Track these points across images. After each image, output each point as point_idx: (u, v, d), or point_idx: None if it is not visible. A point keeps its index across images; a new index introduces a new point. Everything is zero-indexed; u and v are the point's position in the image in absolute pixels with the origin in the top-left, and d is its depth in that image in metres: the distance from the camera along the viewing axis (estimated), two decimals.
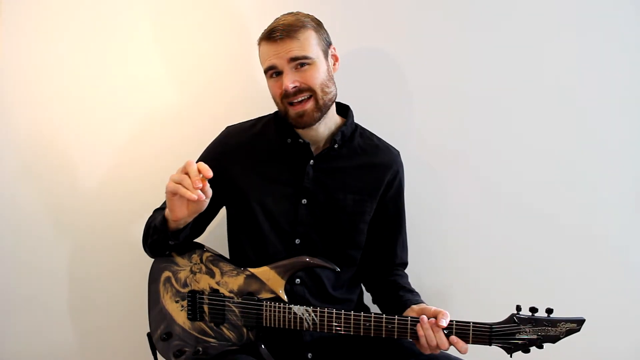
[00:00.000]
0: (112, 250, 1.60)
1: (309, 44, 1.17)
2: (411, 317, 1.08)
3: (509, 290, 1.49)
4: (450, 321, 1.06)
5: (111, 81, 1.58)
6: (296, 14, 1.21)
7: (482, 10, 1.51)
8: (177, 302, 1.22)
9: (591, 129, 1.50)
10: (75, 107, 1.59)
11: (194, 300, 1.20)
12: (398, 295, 1.23)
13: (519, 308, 1.06)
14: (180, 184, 1.05)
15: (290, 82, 1.16)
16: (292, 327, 1.14)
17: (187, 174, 1.05)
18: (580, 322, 1.02)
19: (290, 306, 1.14)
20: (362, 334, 1.11)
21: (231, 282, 1.19)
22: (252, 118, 1.36)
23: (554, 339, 1.03)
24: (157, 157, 1.58)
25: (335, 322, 1.12)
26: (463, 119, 1.52)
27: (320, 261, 1.16)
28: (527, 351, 1.05)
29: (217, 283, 1.19)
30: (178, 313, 1.21)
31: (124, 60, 1.58)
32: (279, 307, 1.14)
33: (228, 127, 1.35)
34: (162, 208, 1.24)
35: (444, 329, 1.05)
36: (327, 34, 1.24)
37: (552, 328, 1.02)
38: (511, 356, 1.07)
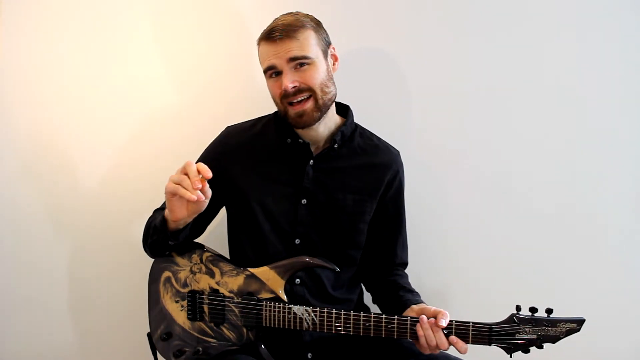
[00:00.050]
0: (112, 250, 1.60)
1: (309, 43, 1.17)
2: (411, 317, 1.08)
3: (509, 290, 1.49)
4: (450, 321, 1.06)
5: (111, 81, 1.58)
6: (295, 14, 1.21)
7: (482, 11, 1.51)
8: (177, 302, 1.22)
9: (591, 129, 1.50)
10: (75, 107, 1.59)
11: (193, 300, 1.20)
12: (398, 295, 1.23)
13: (518, 308, 1.06)
14: (179, 184, 1.05)
15: (289, 82, 1.16)
16: (292, 327, 1.14)
17: (186, 174, 1.05)
18: (580, 322, 1.02)
19: (290, 306, 1.14)
20: (361, 334, 1.11)
21: (231, 282, 1.19)
22: (252, 118, 1.36)
23: (553, 339, 1.03)
24: (157, 157, 1.58)
25: (335, 322, 1.12)
26: (463, 119, 1.52)
27: (320, 261, 1.16)
28: (527, 351, 1.05)
29: (217, 283, 1.19)
30: (178, 313, 1.21)
31: (124, 60, 1.58)
32: (279, 307, 1.14)
33: (228, 127, 1.35)
34: (162, 208, 1.24)
35: (443, 329, 1.05)
36: (327, 34, 1.24)
37: (552, 328, 1.02)
38: (511, 356, 1.06)
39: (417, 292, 1.26)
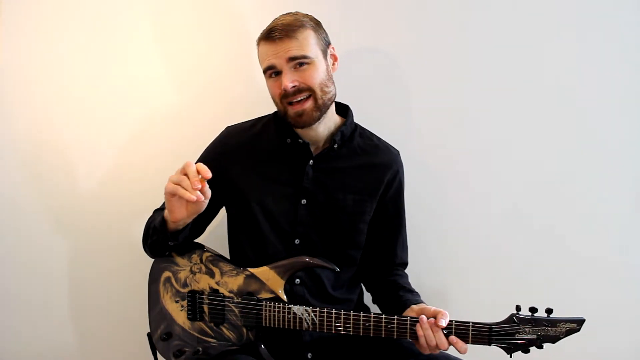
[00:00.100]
0: (112, 250, 1.60)
1: (308, 43, 1.17)
2: (410, 317, 1.08)
3: (509, 290, 1.49)
4: (450, 321, 1.06)
5: (111, 81, 1.58)
6: (295, 14, 1.21)
7: (482, 10, 1.50)
8: (177, 302, 1.22)
9: (591, 129, 1.50)
10: (75, 107, 1.59)
11: (193, 300, 1.20)
12: (398, 295, 1.23)
13: (518, 308, 1.05)
14: (179, 185, 1.05)
15: (289, 81, 1.16)
16: (292, 327, 1.14)
17: (186, 175, 1.05)
18: (580, 322, 1.02)
19: (290, 306, 1.14)
20: (361, 334, 1.11)
21: (231, 282, 1.19)
22: (252, 118, 1.36)
23: (553, 339, 1.03)
24: (157, 157, 1.58)
25: (335, 322, 1.12)
26: (463, 119, 1.52)
27: (320, 261, 1.16)
28: (526, 351, 1.05)
29: (217, 283, 1.19)
30: (178, 313, 1.21)
31: (124, 60, 1.58)
32: (279, 307, 1.14)
33: (228, 127, 1.35)
34: (162, 208, 1.24)
35: (443, 329, 1.05)
36: (326, 34, 1.24)
37: (552, 328, 1.02)
38: (511, 356, 1.06)
39: (417, 292, 1.26)
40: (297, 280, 1.22)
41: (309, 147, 1.25)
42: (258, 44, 1.21)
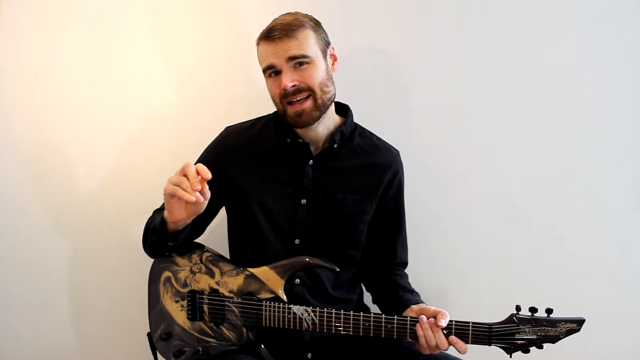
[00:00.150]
0: (112, 251, 1.60)
1: (308, 43, 1.17)
2: (410, 317, 1.08)
3: (509, 290, 1.49)
4: (450, 321, 1.06)
5: (111, 81, 1.58)
6: (295, 14, 1.21)
7: (482, 10, 1.50)
8: (177, 302, 1.22)
9: (591, 129, 1.50)
10: (75, 107, 1.59)
11: (193, 300, 1.20)
12: (398, 295, 1.23)
13: (518, 308, 1.05)
14: (178, 186, 1.04)
15: (289, 80, 1.16)
16: (292, 327, 1.14)
17: (185, 176, 1.05)
18: (580, 322, 1.02)
19: (290, 306, 1.14)
20: (361, 334, 1.11)
21: (231, 282, 1.19)
22: (252, 118, 1.36)
23: (553, 339, 1.03)
24: (157, 157, 1.58)
25: (335, 322, 1.12)
26: (463, 119, 1.52)
27: (320, 261, 1.16)
28: (526, 351, 1.05)
29: (217, 283, 1.20)
30: (178, 313, 1.21)
31: (124, 60, 1.58)
32: (279, 307, 1.14)
33: (227, 127, 1.35)
34: (162, 209, 1.24)
35: (443, 329, 1.05)
36: (326, 34, 1.24)
37: (552, 328, 1.02)
38: (511, 356, 1.06)
39: (417, 292, 1.26)
40: (297, 280, 1.22)
41: (309, 147, 1.25)
42: (258, 44, 1.21)
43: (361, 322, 1.10)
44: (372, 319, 1.10)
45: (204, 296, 1.19)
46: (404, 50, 1.52)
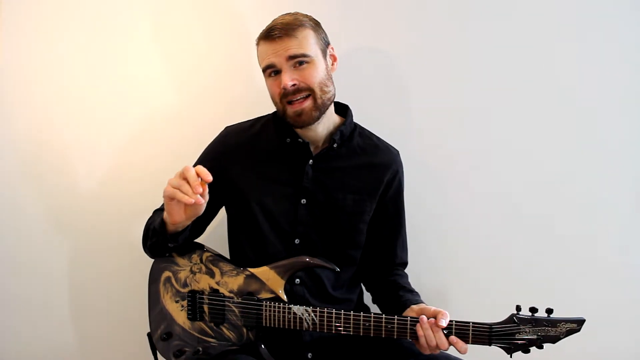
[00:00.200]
0: (112, 251, 1.60)
1: (307, 42, 1.17)
2: (411, 317, 1.08)
3: (509, 290, 1.49)
4: (450, 321, 1.06)
5: (111, 81, 1.58)
6: (294, 14, 1.21)
7: (482, 10, 1.51)
8: (177, 302, 1.22)
9: (591, 129, 1.50)
10: (75, 107, 1.59)
11: (194, 300, 1.20)
12: (398, 295, 1.23)
13: (518, 308, 1.05)
14: (178, 189, 1.04)
15: (289, 80, 1.15)
16: (292, 327, 1.14)
17: (185, 179, 1.04)
18: (580, 322, 1.02)
19: (290, 306, 1.14)
20: (361, 334, 1.11)
21: (231, 282, 1.19)
22: (252, 118, 1.36)
23: (554, 339, 1.03)
24: (157, 157, 1.58)
25: (335, 322, 1.12)
26: (463, 119, 1.52)
27: (320, 261, 1.16)
28: (527, 351, 1.05)
29: (217, 283, 1.19)
30: (178, 313, 1.21)
31: (124, 60, 1.58)
32: (279, 307, 1.14)
33: (227, 127, 1.35)
34: (161, 209, 1.23)
35: (443, 329, 1.05)
36: (326, 34, 1.24)
37: (552, 328, 1.02)
38: (511, 356, 1.06)
39: (417, 292, 1.26)
40: (297, 280, 1.22)
41: (309, 146, 1.25)
42: (257, 44, 1.21)
43: (361, 322, 1.10)
44: (372, 319, 1.10)
45: (204, 296, 1.19)
46: (404, 50, 1.52)
